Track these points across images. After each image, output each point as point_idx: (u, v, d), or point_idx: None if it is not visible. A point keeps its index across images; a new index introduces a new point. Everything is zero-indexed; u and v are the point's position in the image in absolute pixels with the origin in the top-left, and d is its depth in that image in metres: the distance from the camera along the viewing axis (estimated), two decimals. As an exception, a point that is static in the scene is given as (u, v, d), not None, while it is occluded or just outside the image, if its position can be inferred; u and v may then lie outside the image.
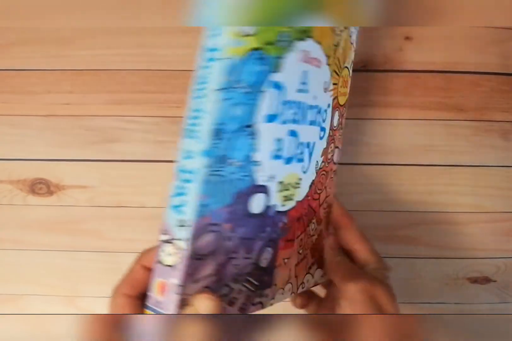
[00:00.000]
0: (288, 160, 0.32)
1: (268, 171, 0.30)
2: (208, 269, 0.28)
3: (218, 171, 0.26)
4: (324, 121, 0.36)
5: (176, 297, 0.26)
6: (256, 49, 0.27)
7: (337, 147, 0.39)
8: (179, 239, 0.26)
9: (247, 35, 0.26)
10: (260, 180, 0.30)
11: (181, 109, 0.44)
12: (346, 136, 0.44)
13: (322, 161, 0.37)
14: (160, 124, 0.44)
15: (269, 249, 0.32)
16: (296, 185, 0.34)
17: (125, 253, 0.44)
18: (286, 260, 0.34)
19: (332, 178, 0.39)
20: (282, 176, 0.32)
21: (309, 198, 0.36)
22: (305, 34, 0.31)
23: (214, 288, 0.28)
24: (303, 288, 0.36)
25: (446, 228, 0.45)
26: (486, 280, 0.46)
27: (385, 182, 0.45)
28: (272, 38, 0.28)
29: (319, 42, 0.32)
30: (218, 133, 0.26)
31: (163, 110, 0.44)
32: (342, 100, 0.38)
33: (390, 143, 0.45)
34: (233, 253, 0.30)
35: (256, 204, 0.30)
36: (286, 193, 0.33)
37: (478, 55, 0.44)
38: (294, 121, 0.32)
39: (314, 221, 0.37)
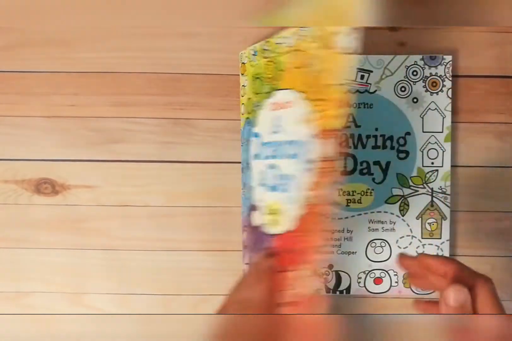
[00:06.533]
0: (272, 189, 0.35)
1: (257, 195, 0.37)
2: None
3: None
4: (308, 153, 0.31)
5: None
6: (246, 119, 0.41)
7: (336, 182, 0.29)
8: None
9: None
10: (255, 201, 0.38)
11: (184, 111, 0.45)
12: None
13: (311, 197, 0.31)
14: (163, 125, 0.45)
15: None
16: (280, 212, 0.33)
17: (130, 250, 0.45)
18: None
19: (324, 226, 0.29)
20: (266, 201, 0.36)
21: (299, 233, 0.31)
22: (273, 89, 0.36)
23: None
24: None
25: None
26: (480, 277, 0.46)
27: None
28: (251, 109, 0.40)
29: (290, 88, 0.34)
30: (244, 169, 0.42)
31: (166, 112, 0.45)
32: (332, 124, 0.29)
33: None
34: None
35: (253, 218, 0.38)
36: (271, 216, 0.34)
37: (472, 58, 0.45)
38: (273, 156, 0.35)
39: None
